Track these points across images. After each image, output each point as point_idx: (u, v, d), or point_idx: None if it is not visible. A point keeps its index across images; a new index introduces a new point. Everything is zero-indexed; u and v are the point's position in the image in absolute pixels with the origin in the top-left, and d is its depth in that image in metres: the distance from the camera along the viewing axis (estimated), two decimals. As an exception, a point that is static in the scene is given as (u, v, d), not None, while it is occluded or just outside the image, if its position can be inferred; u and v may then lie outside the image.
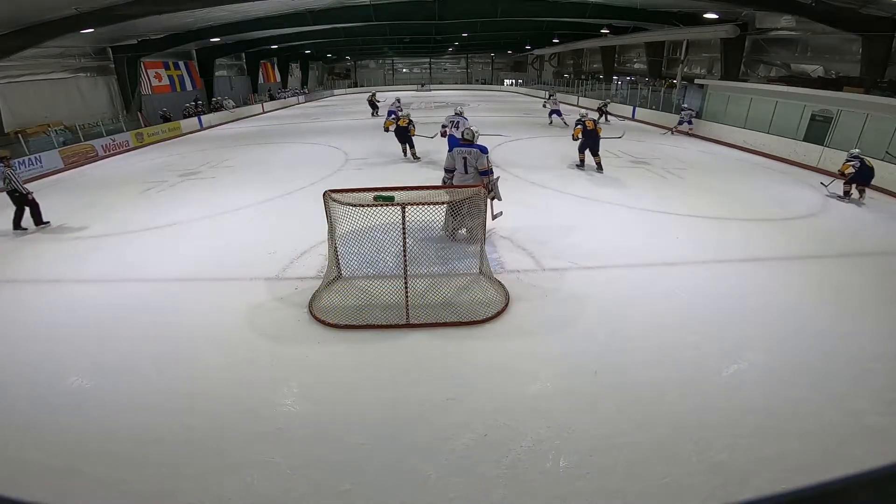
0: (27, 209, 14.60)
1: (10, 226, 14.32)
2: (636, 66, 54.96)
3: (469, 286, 9.75)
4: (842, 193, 16.43)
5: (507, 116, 40.80)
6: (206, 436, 6.06)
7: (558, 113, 34.73)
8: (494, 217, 11.96)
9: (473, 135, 12.17)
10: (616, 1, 34.41)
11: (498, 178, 12.35)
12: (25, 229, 14.46)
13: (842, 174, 16.19)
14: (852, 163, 15.79)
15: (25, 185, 14.75)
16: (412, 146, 22.74)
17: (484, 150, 11.86)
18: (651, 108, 36.13)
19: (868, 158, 16.14)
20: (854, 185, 16.22)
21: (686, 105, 31.34)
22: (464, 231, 11.76)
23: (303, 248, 11.84)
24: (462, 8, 36.87)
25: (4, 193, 14.73)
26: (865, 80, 25.16)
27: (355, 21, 39.24)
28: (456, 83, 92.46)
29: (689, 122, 29.62)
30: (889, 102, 19.04)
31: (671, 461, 5.50)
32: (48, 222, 14.90)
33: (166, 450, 5.85)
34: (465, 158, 11.77)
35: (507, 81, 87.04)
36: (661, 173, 19.55)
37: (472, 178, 11.79)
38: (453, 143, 16.88)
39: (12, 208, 14.40)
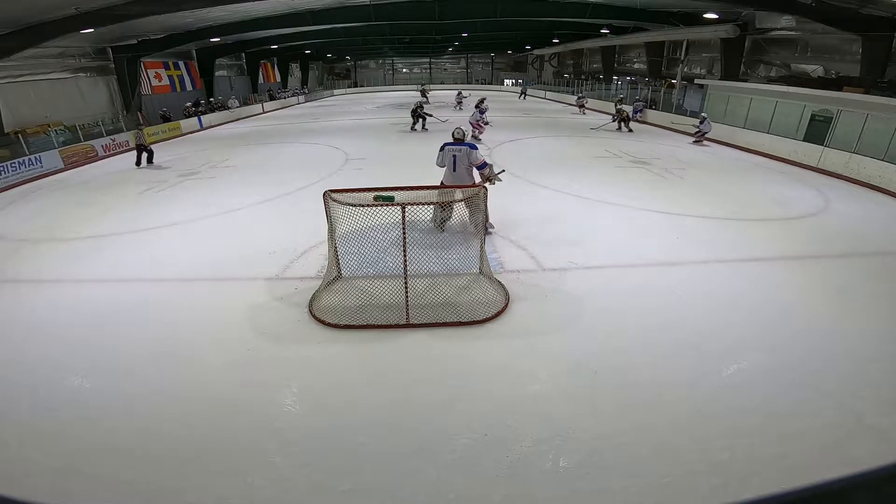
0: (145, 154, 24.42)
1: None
2: (636, 66, 55.00)
3: (469, 286, 9.74)
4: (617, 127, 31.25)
5: (507, 116, 40.74)
6: (206, 436, 6.07)
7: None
8: (496, 175, 12.32)
9: (464, 134, 12.41)
10: (616, 1, 34.38)
11: (503, 170, 12.57)
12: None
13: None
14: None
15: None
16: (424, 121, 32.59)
17: (473, 147, 12.22)
18: (651, 108, 36.15)
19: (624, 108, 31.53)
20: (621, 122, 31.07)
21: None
22: (451, 223, 11.92)
23: (303, 248, 11.84)
24: (462, 8, 36.81)
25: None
26: (865, 80, 25.16)
27: (355, 21, 39.26)
28: (456, 83, 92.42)
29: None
30: (889, 102, 19.04)
31: (671, 461, 5.50)
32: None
33: (166, 450, 5.85)
34: (454, 156, 12.05)
35: (507, 81, 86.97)
36: (661, 173, 19.54)
37: (459, 177, 12.08)
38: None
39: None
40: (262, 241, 12.39)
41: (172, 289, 10.32)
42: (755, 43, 35.17)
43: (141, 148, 24.31)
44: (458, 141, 12.21)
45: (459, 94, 49.34)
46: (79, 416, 6.48)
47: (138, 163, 24.19)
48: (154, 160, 24.68)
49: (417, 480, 5.36)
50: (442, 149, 12.30)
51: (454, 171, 12.08)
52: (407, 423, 6.26)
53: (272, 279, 10.43)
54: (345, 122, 37.25)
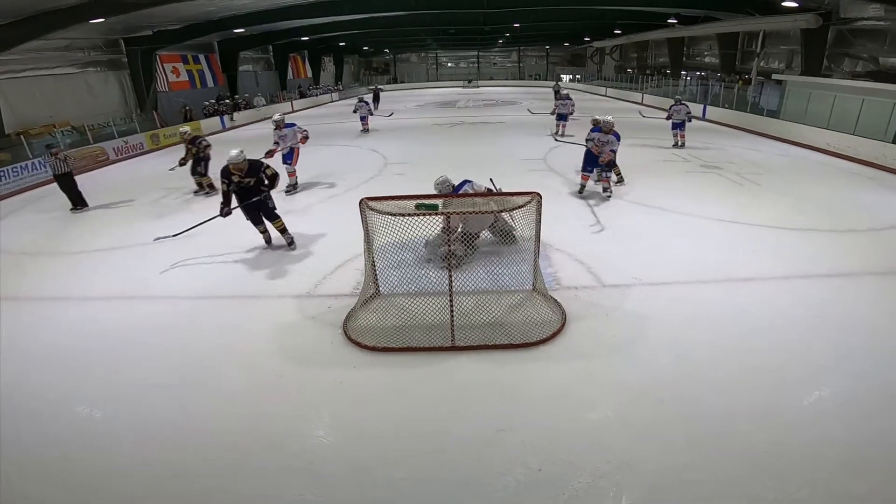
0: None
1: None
2: (707, 60, 54.58)
3: (521, 304, 9.73)
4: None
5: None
6: (228, 471, 6.12)
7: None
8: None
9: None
10: (685, -14, 34.19)
11: None
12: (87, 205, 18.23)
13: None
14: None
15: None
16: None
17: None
18: (724, 107, 35.62)
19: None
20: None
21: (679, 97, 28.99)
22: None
23: (337, 262, 11.91)
24: (513, -5, 36.65)
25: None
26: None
27: (394, 10, 39.42)
28: (507, 79, 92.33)
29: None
30: None
31: (745, 499, 5.47)
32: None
33: (184, 486, 5.92)
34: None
35: (564, 77, 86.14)
36: (735, 179, 19.32)
37: None
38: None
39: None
40: (292, 255, 12.58)
41: (191, 307, 10.38)
42: (839, 34, 34.55)
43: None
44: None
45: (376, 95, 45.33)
46: (87, 449, 6.56)
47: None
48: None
49: (463, 519, 5.38)
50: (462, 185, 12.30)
51: None
52: (451, 456, 6.27)
53: (302, 296, 10.53)
54: (383, 122, 37.04)
